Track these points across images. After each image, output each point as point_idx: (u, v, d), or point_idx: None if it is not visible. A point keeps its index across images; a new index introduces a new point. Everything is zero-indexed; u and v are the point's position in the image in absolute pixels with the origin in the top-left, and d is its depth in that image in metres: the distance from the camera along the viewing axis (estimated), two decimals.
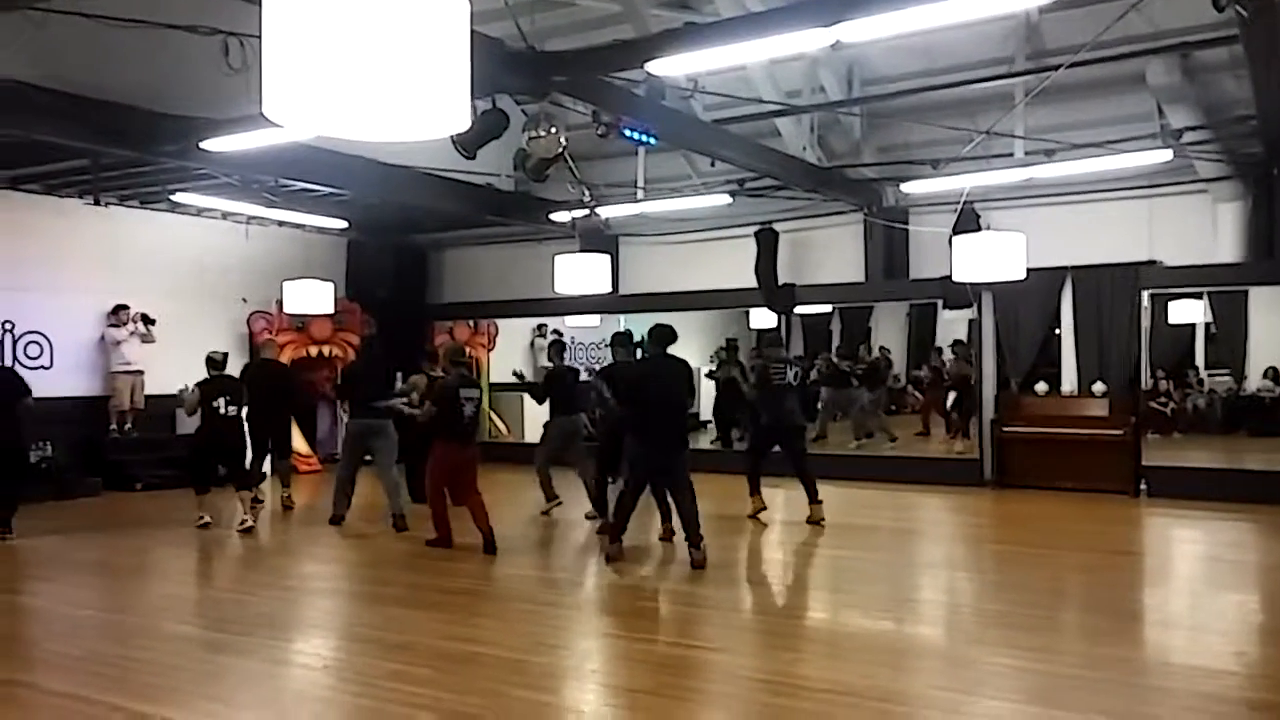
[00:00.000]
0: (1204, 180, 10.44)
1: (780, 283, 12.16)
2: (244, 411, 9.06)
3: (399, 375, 10.04)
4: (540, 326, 15.63)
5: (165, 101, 8.46)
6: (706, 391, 15.59)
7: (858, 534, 8.88)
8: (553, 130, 7.81)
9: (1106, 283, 10.87)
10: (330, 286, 12.02)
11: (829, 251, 12.67)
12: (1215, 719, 4.21)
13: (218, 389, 8.81)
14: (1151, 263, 10.72)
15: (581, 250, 11.44)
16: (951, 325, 14.35)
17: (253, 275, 13.07)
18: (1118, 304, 10.81)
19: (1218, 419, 14.13)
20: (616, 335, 8.92)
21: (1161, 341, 13.02)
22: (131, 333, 11.64)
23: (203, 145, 8.41)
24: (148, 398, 11.73)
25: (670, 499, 7.61)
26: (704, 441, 14.59)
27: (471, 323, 15.22)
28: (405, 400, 9.24)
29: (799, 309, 13.30)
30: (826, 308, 15.57)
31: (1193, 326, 14.47)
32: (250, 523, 8.75)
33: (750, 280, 12.12)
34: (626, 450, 7.52)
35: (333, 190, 11.14)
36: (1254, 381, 13.83)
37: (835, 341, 16.71)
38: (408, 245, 14.99)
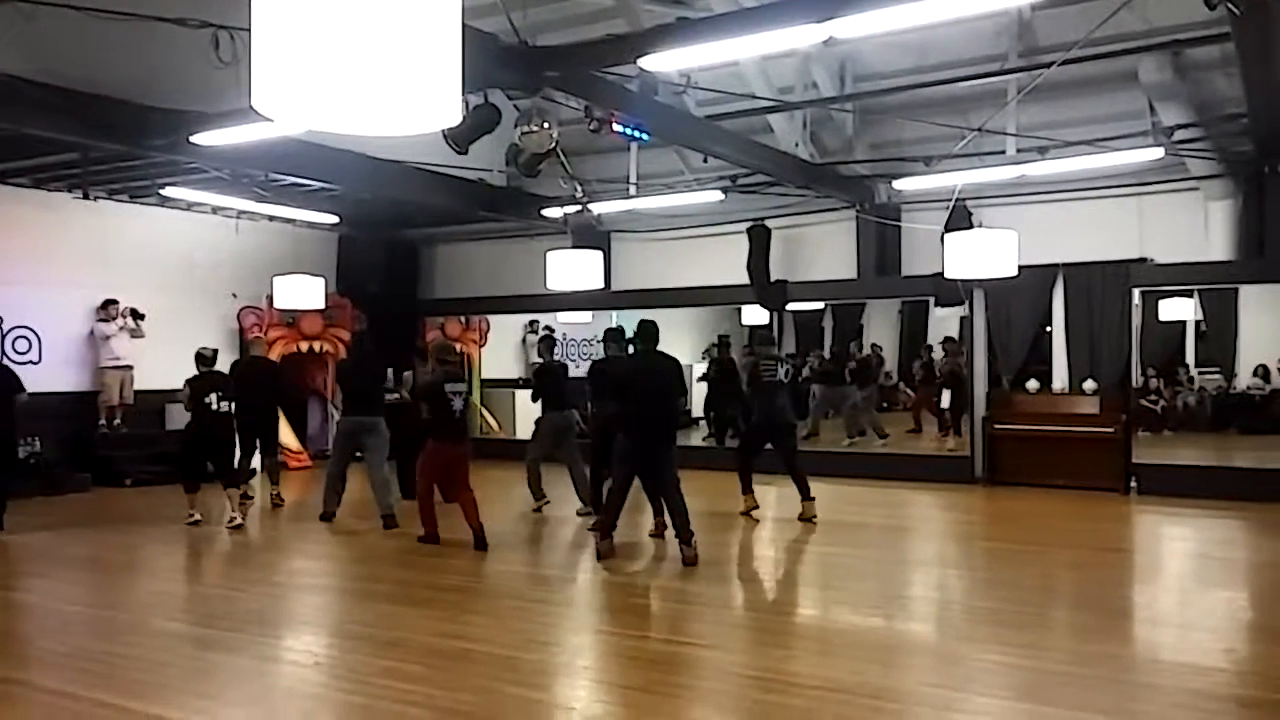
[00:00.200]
0: (1195, 178, 10.47)
1: (772, 279, 12.16)
2: (233, 407, 9.00)
3: (390, 372, 10.00)
4: (532, 323, 15.61)
5: (155, 95, 8.42)
6: (698, 388, 15.60)
7: (849, 531, 8.89)
8: (545, 125, 7.80)
9: (1098, 280, 10.91)
10: (321, 282, 11.99)
11: (821, 248, 12.68)
12: (1204, 716, 4.22)
13: (208, 385, 8.76)
14: (1142, 260, 10.75)
15: (574, 246, 11.44)
16: (943, 322, 14.37)
17: (243, 270, 13.02)
18: (1109, 301, 10.85)
19: (1208, 417, 14.18)
20: (609, 331, 8.91)
21: (1152, 339, 13.06)
22: (121, 328, 11.59)
23: (192, 139, 8.36)
24: (137, 393, 11.68)
25: (659, 496, 7.60)
26: (696, 439, 14.60)
27: (463, 319, 15.18)
28: (396, 396, 9.21)
29: (791, 306, 13.31)
30: (818, 304, 15.58)
31: (1183, 324, 14.51)
32: (239, 520, 8.72)
33: (742, 277, 12.12)
34: (615, 447, 7.51)
35: (323, 185, 11.09)
36: (1244, 379, 13.88)
37: (827, 338, 16.73)
38: (399, 240, 14.95)
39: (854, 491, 10.90)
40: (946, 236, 8.95)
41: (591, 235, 12.27)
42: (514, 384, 15.42)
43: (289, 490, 10.60)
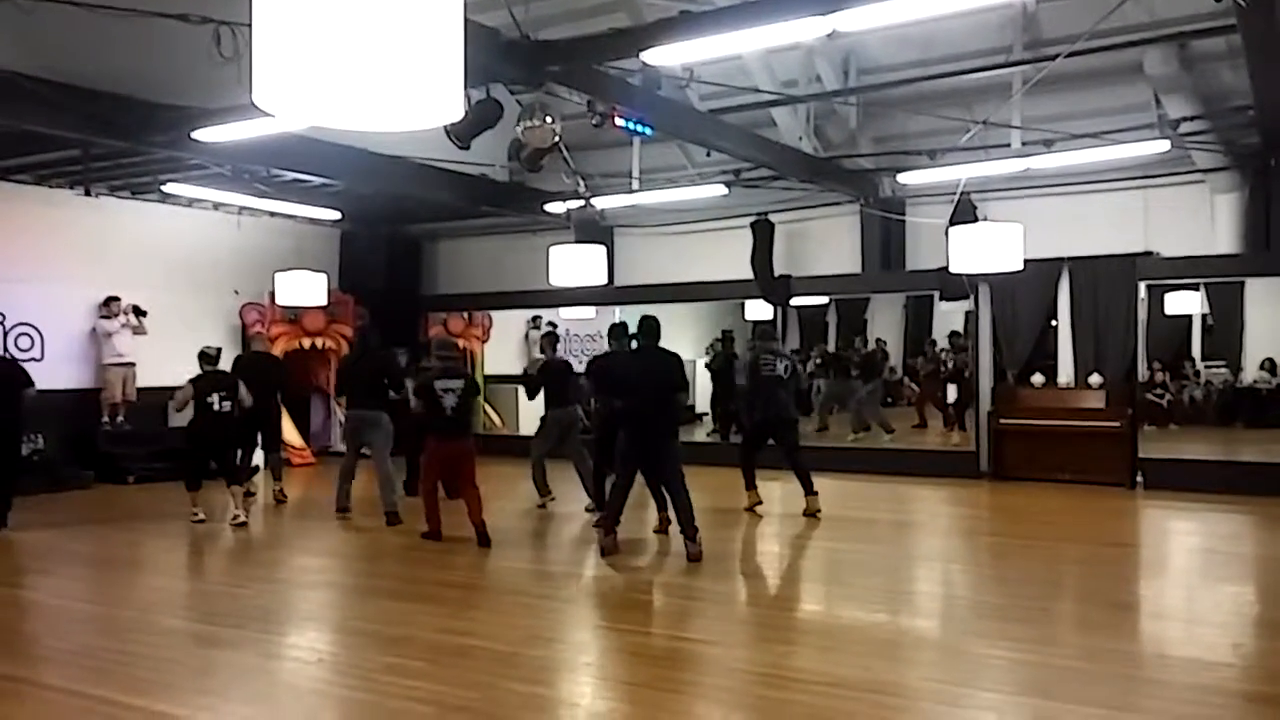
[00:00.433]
0: (1201, 171, 10.43)
1: (776, 274, 12.13)
2: (238, 407, 8.92)
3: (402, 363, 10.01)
4: (535, 318, 15.57)
5: (156, 91, 8.40)
6: (703, 384, 15.58)
7: (854, 526, 8.87)
8: (547, 120, 7.77)
9: (1103, 274, 10.86)
10: (323, 278, 11.98)
11: (825, 243, 12.65)
12: (1211, 711, 4.20)
13: (211, 385, 8.74)
14: (1148, 254, 10.71)
15: (576, 241, 11.42)
16: (948, 317, 14.34)
17: (245, 267, 13.02)
18: (1114, 295, 10.80)
19: (1214, 411, 14.13)
20: (613, 327, 8.90)
21: (1158, 333, 13.01)
22: (123, 325, 11.58)
23: (194, 135, 8.35)
24: (139, 390, 11.68)
25: (664, 492, 7.58)
26: (700, 434, 14.58)
27: (466, 314, 15.16)
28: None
29: (795, 300, 13.28)
30: (823, 299, 15.54)
31: (1189, 318, 14.46)
32: (243, 517, 8.71)
33: (746, 272, 12.09)
34: (618, 442, 7.50)
35: (325, 181, 11.08)
36: (1250, 373, 13.82)
37: (832, 333, 16.69)
38: (401, 236, 14.94)
39: (859, 486, 10.88)
40: (951, 230, 8.92)
41: (594, 230, 12.24)
42: (517, 380, 15.39)
43: (292, 487, 10.60)
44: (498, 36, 6.70)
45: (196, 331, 11.62)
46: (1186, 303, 13.70)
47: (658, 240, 13.51)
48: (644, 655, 5.15)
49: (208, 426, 8.74)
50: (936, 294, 12.57)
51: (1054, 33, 9.46)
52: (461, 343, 12.75)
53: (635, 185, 11.30)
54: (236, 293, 13.03)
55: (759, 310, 13.89)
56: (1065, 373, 11.26)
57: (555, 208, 12.10)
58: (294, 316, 13.08)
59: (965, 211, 9.27)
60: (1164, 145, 9.36)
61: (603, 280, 10.84)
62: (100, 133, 8.65)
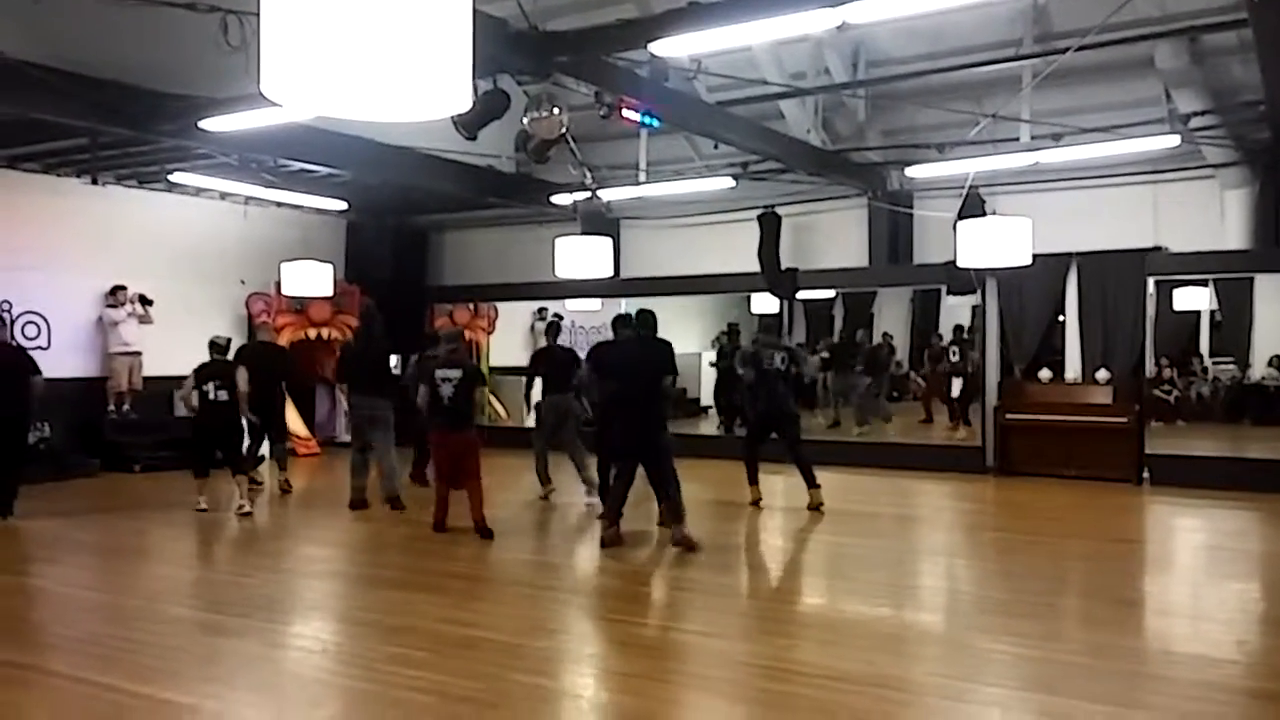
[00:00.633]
0: (1211, 166, 10.38)
1: (783, 267, 12.10)
2: (235, 395, 8.86)
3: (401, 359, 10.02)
4: (541, 310, 15.58)
5: (163, 80, 8.40)
6: (708, 377, 15.58)
7: (858, 521, 8.86)
8: (555, 111, 7.75)
9: (1112, 269, 10.81)
10: (329, 268, 11.98)
11: (832, 236, 12.62)
12: (1216, 707, 4.19)
13: (209, 374, 8.75)
14: (1157, 249, 10.66)
15: (583, 233, 11.38)
16: (955, 311, 14.32)
17: (251, 256, 13.02)
18: (1123, 290, 10.75)
19: (1222, 407, 14.10)
20: (618, 318, 8.89)
21: (1166, 329, 12.97)
22: (129, 314, 11.60)
23: (201, 124, 8.35)
24: (146, 379, 11.70)
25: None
26: (705, 428, 14.59)
27: (472, 305, 15.17)
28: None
29: (802, 294, 13.25)
30: (829, 293, 15.53)
31: (1198, 314, 14.42)
32: (248, 507, 8.72)
33: (753, 265, 12.06)
34: (612, 434, 7.53)
35: (332, 171, 11.08)
36: (1259, 370, 13.79)
37: (838, 327, 16.67)
38: (407, 227, 14.93)
39: (864, 481, 10.88)
40: (959, 224, 8.88)
41: (601, 222, 12.20)
42: (523, 371, 15.40)
43: (298, 477, 10.63)
44: (505, 27, 6.68)
45: (203, 321, 11.63)
46: (1195, 299, 13.66)
47: (664, 232, 13.48)
48: (647, 647, 5.15)
49: (204, 414, 8.76)
50: (944, 288, 12.54)
51: (1064, 26, 9.41)
52: (467, 334, 12.75)
53: (642, 177, 11.27)
54: (243, 282, 13.04)
55: (765, 303, 13.89)
56: (1072, 368, 11.22)
57: (562, 199, 12.09)
58: (300, 306, 13.09)
59: (973, 205, 9.22)
60: (1174, 140, 9.31)
61: (609, 272, 10.82)
62: (107, 122, 8.65)
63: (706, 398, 15.83)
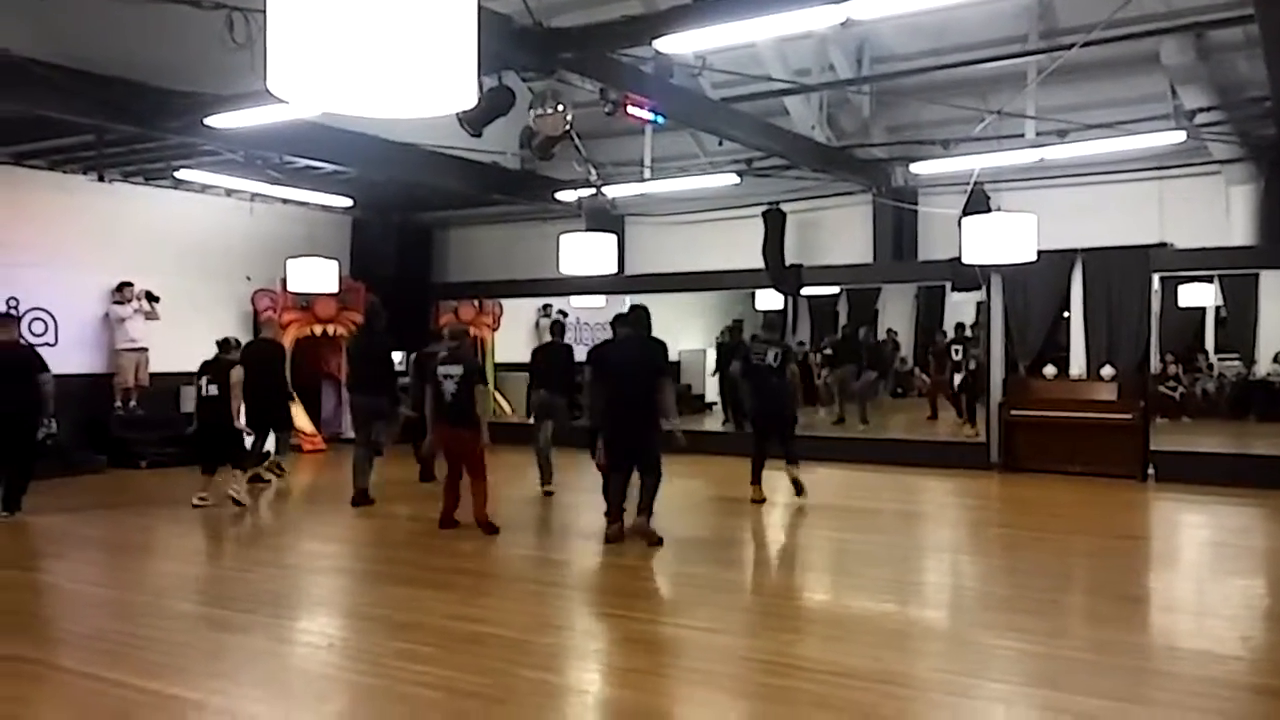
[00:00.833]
0: (1217, 162, 10.37)
1: (787, 264, 12.10)
2: (224, 391, 8.81)
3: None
4: (546, 307, 15.60)
5: (170, 77, 8.42)
6: (712, 373, 15.59)
7: (863, 516, 8.86)
8: (559, 108, 7.76)
9: (1117, 265, 10.80)
10: (335, 265, 12.01)
11: (837, 232, 12.62)
12: (1220, 704, 4.18)
13: (204, 370, 8.86)
14: (1162, 245, 10.64)
15: (587, 230, 11.40)
16: (960, 307, 14.31)
17: (257, 253, 13.05)
18: (1128, 287, 10.74)
19: (1227, 403, 14.08)
20: (617, 317, 8.90)
21: (1171, 325, 12.98)
22: (136, 310, 11.63)
23: (207, 121, 8.37)
24: (152, 375, 11.74)
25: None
26: (710, 424, 14.60)
27: (476, 302, 15.19)
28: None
29: (806, 290, 13.25)
30: (834, 289, 15.52)
31: (1203, 310, 14.41)
32: (240, 496, 8.71)
33: (757, 261, 12.07)
34: (605, 430, 7.57)
35: (337, 168, 11.10)
36: (1264, 366, 13.77)
37: (842, 323, 16.69)
38: (412, 224, 14.95)
39: (868, 477, 10.88)
40: (964, 220, 8.87)
41: (605, 219, 12.22)
42: (527, 368, 15.42)
43: (303, 473, 10.65)
44: (510, 24, 6.69)
45: (209, 317, 11.68)
46: (1200, 295, 13.64)
47: (669, 229, 13.48)
48: (651, 643, 5.16)
49: (197, 409, 8.93)
50: (948, 284, 12.53)
51: (1069, 22, 9.40)
52: (472, 330, 12.76)
53: (647, 174, 11.29)
54: (249, 279, 13.07)
55: (770, 300, 13.91)
56: (1077, 364, 11.21)
57: (567, 196, 12.10)
58: (305, 303, 13.11)
59: (978, 202, 9.21)
60: (1179, 136, 9.30)
61: (613, 269, 10.84)
62: (114, 118, 8.67)
63: (712, 394, 15.84)
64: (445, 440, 7.81)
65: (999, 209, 8.95)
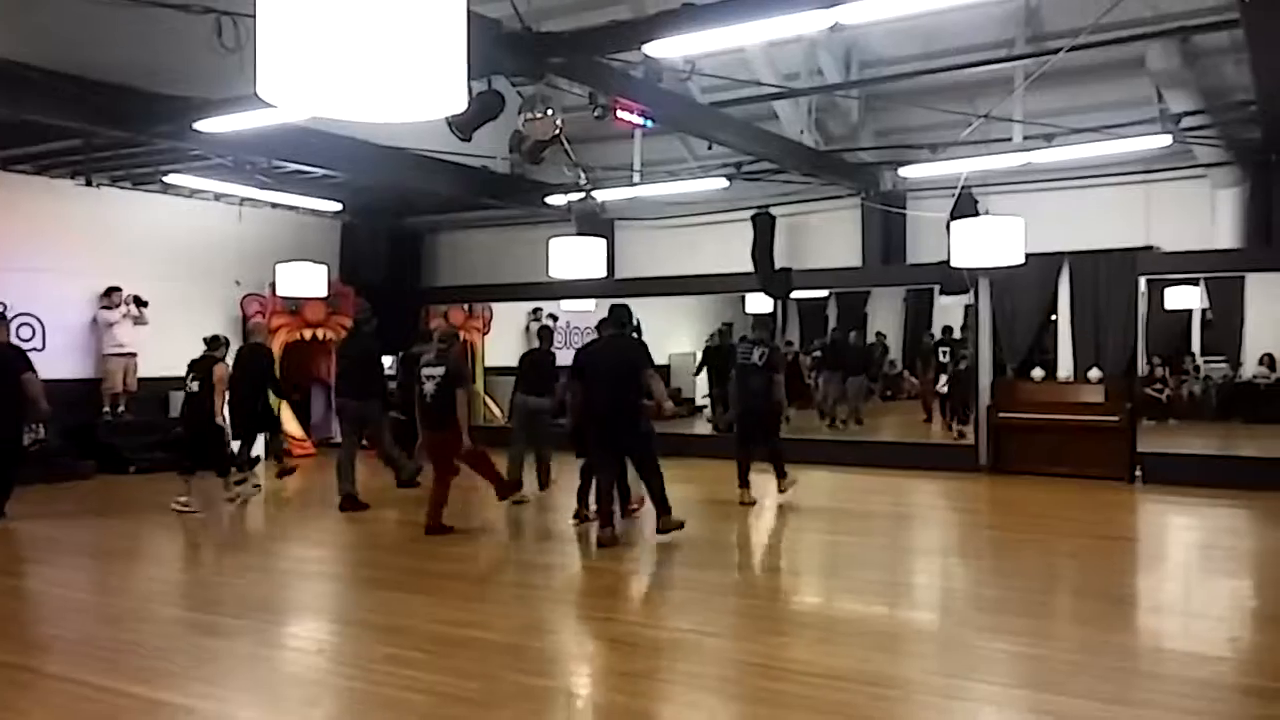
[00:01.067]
0: (1202, 166, 10.42)
1: (777, 267, 12.13)
2: (204, 387, 8.80)
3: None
4: (536, 310, 15.59)
5: (158, 81, 8.39)
6: (703, 376, 15.60)
7: (852, 519, 8.88)
8: (549, 112, 7.76)
9: (1104, 268, 10.86)
10: (324, 269, 11.98)
11: (826, 236, 12.64)
12: (1208, 704, 4.21)
13: (191, 367, 8.88)
14: (1149, 248, 10.71)
15: (577, 234, 11.40)
16: (949, 311, 14.36)
17: (246, 257, 13.01)
18: (1114, 290, 10.80)
19: (1213, 406, 14.15)
20: (603, 320, 8.91)
21: (1158, 328, 13.02)
22: (124, 315, 11.58)
23: (196, 126, 8.34)
24: (140, 380, 11.69)
25: (638, 475, 7.58)
26: (699, 427, 14.61)
27: (466, 306, 15.17)
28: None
29: (795, 293, 13.28)
30: (823, 292, 15.56)
31: (1189, 313, 14.47)
32: (240, 495, 8.68)
33: (747, 264, 12.09)
34: (590, 434, 7.60)
35: (326, 172, 11.07)
36: (1250, 368, 13.84)
37: (831, 326, 16.73)
38: (402, 228, 14.93)
39: (858, 480, 10.91)
40: (952, 224, 8.92)
41: (595, 223, 12.23)
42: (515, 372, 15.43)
43: (293, 478, 10.58)
44: (500, 28, 6.69)
45: (197, 322, 11.60)
46: (1186, 298, 13.70)
47: (659, 233, 13.50)
48: (642, 646, 5.16)
49: (182, 407, 8.99)
50: (937, 288, 12.58)
51: (1056, 27, 9.45)
52: (462, 334, 12.74)
53: (636, 178, 11.29)
54: (238, 283, 13.03)
55: (760, 303, 13.93)
56: (1065, 367, 11.27)
57: (556, 200, 12.09)
58: (295, 308, 13.09)
59: (966, 205, 9.26)
60: (1165, 140, 9.35)
61: (603, 273, 10.85)
62: (102, 123, 8.64)
63: (701, 398, 15.85)
64: (429, 444, 7.82)
65: (987, 212, 9.00)
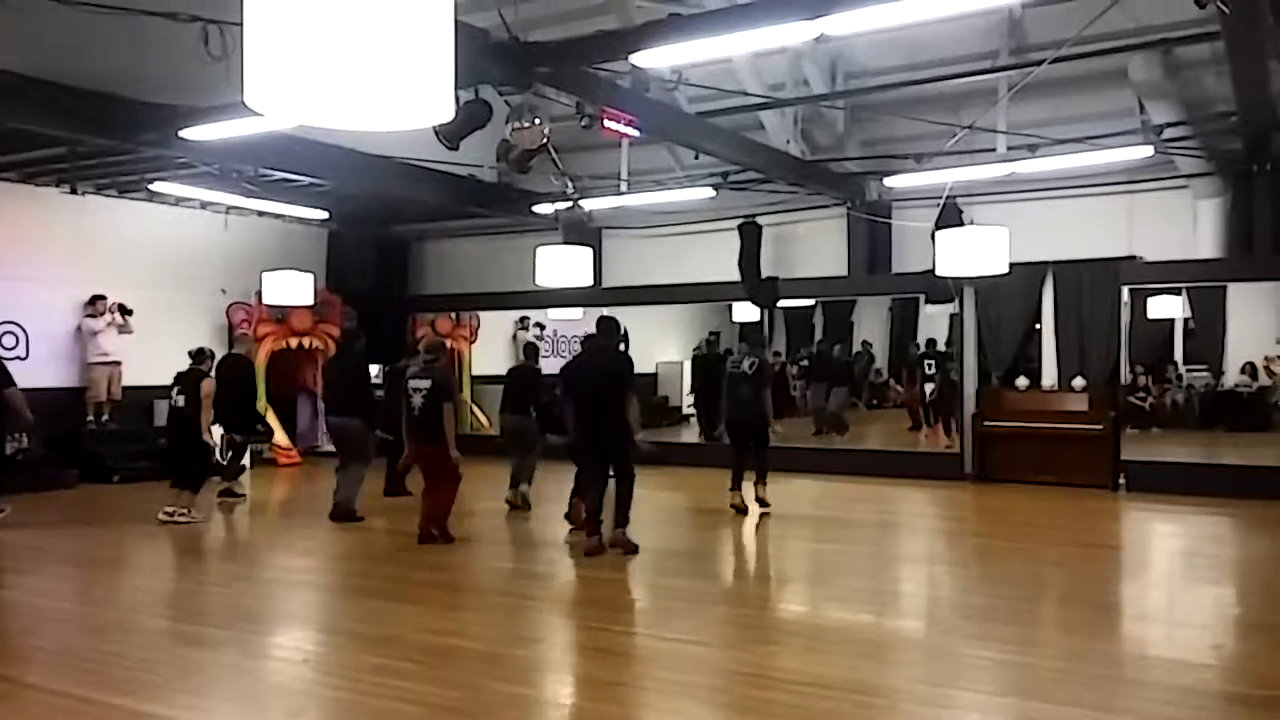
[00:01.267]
0: (1184, 176, 10.52)
1: (763, 276, 12.16)
2: (190, 402, 8.73)
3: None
4: (523, 319, 15.59)
5: (144, 89, 8.37)
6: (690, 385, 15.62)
7: (838, 527, 8.90)
8: (536, 121, 7.77)
9: (1087, 278, 10.94)
10: (310, 278, 11.95)
11: (812, 245, 12.69)
12: (1192, 712, 4.24)
13: (176, 381, 8.83)
14: (1132, 258, 10.79)
15: (564, 243, 11.41)
16: (934, 320, 14.43)
17: (232, 266, 12.96)
18: (1098, 299, 10.88)
19: (1196, 414, 14.26)
20: (589, 336, 8.93)
21: (1141, 337, 13.13)
22: (109, 323, 11.52)
23: (182, 134, 8.32)
24: (125, 389, 11.62)
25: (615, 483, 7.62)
26: (687, 435, 14.62)
27: (453, 315, 15.15)
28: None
29: (782, 302, 13.32)
30: (809, 301, 15.62)
31: (1172, 322, 14.59)
32: (179, 518, 8.61)
33: (734, 274, 12.11)
34: (577, 442, 7.66)
35: (313, 180, 11.05)
36: (1231, 377, 13.96)
37: (818, 336, 16.78)
38: (389, 236, 14.90)
39: (843, 488, 10.93)
40: (937, 234, 8.96)
41: (582, 232, 12.24)
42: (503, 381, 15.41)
43: (278, 487, 10.56)
44: (487, 38, 6.71)
45: (182, 330, 11.58)
46: (1169, 307, 13.82)
47: (646, 242, 13.52)
48: (628, 655, 5.16)
49: (167, 420, 8.97)
50: (922, 297, 12.64)
51: (1039, 38, 9.53)
52: (449, 343, 12.73)
53: (624, 187, 11.32)
54: (223, 292, 12.98)
55: (747, 312, 13.97)
56: (1049, 376, 11.33)
57: (544, 209, 12.10)
58: (281, 316, 13.04)
59: (951, 215, 9.32)
60: (1148, 151, 9.43)
61: (590, 282, 10.86)
62: (87, 131, 8.61)
63: (689, 407, 15.86)
64: (417, 456, 7.82)
65: (971, 222, 9.05)
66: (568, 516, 8.19)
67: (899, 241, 12.13)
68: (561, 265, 10.43)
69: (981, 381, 11.67)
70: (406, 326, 14.56)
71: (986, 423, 11.21)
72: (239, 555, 8.08)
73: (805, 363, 15.33)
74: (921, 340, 14.82)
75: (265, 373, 12.66)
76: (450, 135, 7.40)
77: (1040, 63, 7.95)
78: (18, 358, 10.88)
